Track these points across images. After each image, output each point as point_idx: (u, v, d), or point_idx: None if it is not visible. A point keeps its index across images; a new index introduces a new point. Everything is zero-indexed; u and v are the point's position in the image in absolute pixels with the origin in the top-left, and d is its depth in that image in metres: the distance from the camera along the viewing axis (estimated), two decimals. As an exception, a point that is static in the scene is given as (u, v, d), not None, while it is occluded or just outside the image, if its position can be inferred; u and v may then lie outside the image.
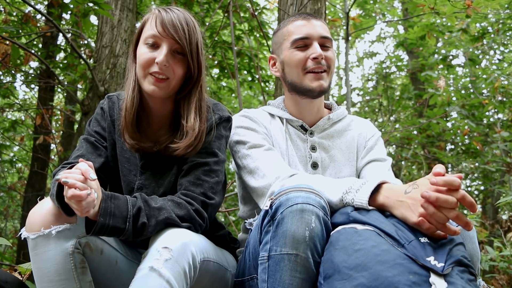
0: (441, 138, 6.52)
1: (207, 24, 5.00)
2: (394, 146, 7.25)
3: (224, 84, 6.61)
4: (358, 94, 9.26)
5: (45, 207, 1.23)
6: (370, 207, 1.22)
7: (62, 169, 1.26)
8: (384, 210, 1.22)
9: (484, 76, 6.43)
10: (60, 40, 5.83)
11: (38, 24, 4.88)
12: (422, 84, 6.85)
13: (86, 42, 4.90)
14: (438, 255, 1.08)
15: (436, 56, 7.10)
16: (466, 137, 6.15)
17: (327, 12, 4.34)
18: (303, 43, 1.60)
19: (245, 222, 1.43)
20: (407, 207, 1.15)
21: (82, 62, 4.21)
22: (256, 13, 4.68)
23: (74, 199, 1.09)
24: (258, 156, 1.52)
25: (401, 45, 7.19)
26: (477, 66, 7.13)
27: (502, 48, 7.36)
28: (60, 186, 1.17)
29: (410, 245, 1.09)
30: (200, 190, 1.36)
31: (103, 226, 1.17)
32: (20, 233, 1.23)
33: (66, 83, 5.03)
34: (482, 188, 7.25)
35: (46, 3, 5.34)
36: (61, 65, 5.21)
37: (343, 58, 10.80)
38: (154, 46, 1.38)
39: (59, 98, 7.61)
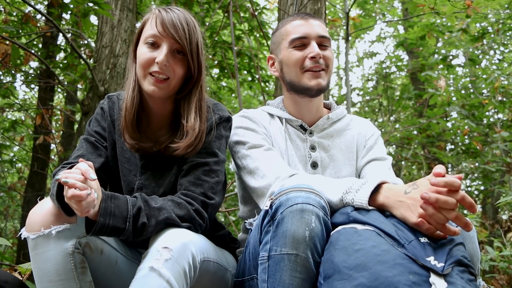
0: (441, 138, 6.52)
1: (207, 24, 5.00)
2: (394, 146, 7.26)
3: (224, 84, 6.61)
4: (358, 94, 9.26)
5: (45, 207, 1.23)
6: (370, 207, 1.22)
7: (62, 169, 1.26)
8: (384, 210, 1.22)
9: (484, 76, 6.43)
10: (60, 40, 5.84)
11: (38, 24, 4.88)
12: (422, 84, 6.85)
13: (86, 42, 4.90)
14: (438, 255, 1.08)
15: (436, 56, 7.10)
16: (466, 137, 6.15)
17: (327, 12, 4.34)
18: (301, 43, 1.61)
19: (245, 222, 1.43)
20: (406, 207, 1.15)
21: (82, 62, 4.21)
22: (256, 13, 4.68)
23: (74, 199, 1.09)
24: (257, 156, 1.52)
25: (401, 45, 7.19)
26: (477, 66, 7.13)
27: (502, 48, 7.36)
28: (60, 186, 1.17)
29: (410, 245, 1.09)
30: (200, 190, 1.36)
31: (103, 226, 1.17)
32: (20, 233, 1.23)
33: (66, 83, 5.03)
34: (482, 188, 7.25)
35: (46, 3, 5.34)
36: (61, 65, 5.21)
37: (343, 58, 10.80)
38: (154, 46, 1.38)
39: (59, 98, 7.61)
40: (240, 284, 1.42)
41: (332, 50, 1.66)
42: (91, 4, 3.06)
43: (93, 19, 4.99)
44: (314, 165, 1.63)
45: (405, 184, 1.24)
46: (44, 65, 4.07)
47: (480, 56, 7.20)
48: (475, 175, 6.95)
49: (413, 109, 7.11)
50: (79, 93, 6.54)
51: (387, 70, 8.51)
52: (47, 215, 1.21)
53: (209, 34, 5.38)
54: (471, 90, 6.34)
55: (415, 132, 6.56)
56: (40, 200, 1.27)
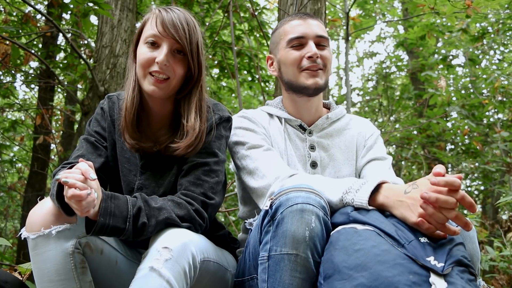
0: (441, 138, 6.52)
1: (207, 24, 5.00)
2: (394, 146, 7.26)
3: (224, 84, 6.61)
4: (358, 94, 9.26)
5: (45, 207, 1.23)
6: (370, 207, 1.22)
7: (62, 169, 1.26)
8: (384, 210, 1.22)
9: (484, 76, 6.43)
10: (60, 40, 5.84)
11: (38, 24, 4.88)
12: (422, 84, 6.85)
13: (86, 42, 4.90)
14: (438, 255, 1.08)
15: (436, 56, 7.10)
16: (466, 137, 6.15)
17: (327, 12, 4.34)
18: (298, 42, 1.61)
19: (245, 222, 1.43)
20: (406, 207, 1.15)
21: (82, 62, 4.21)
22: (256, 13, 4.68)
23: (74, 199, 1.09)
24: (257, 157, 1.52)
25: (401, 45, 7.19)
26: (477, 66, 7.13)
27: (502, 48, 7.36)
28: (60, 186, 1.17)
29: (410, 245, 1.09)
30: (200, 190, 1.37)
31: (103, 226, 1.17)
32: (20, 233, 1.23)
33: (66, 83, 5.03)
34: (482, 188, 7.26)
35: (46, 3, 5.34)
36: (61, 65, 5.21)
37: (343, 58, 10.80)
38: (155, 45, 1.38)
39: (59, 98, 7.61)
40: (240, 284, 1.42)
41: (330, 50, 1.66)
42: (91, 4, 3.06)
43: (93, 19, 5.00)
44: (314, 165, 1.63)
45: (405, 184, 1.24)
46: (44, 65, 4.07)
47: (480, 56, 7.20)
48: (475, 175, 6.96)
49: (413, 109, 7.11)
50: (79, 93, 6.55)
51: (387, 70, 8.51)
52: (47, 215, 1.21)
53: (209, 34, 5.38)
54: (471, 90, 6.34)
55: (415, 132, 6.56)
56: (40, 200, 1.27)
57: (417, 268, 1.05)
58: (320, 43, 1.62)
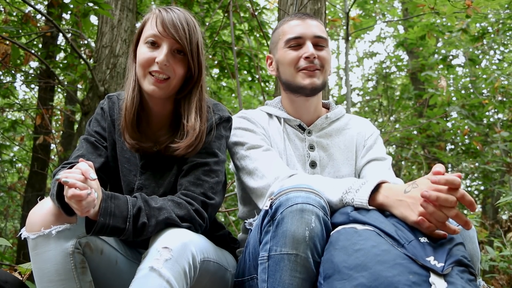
0: (441, 138, 6.52)
1: (207, 24, 5.00)
2: (394, 146, 7.26)
3: (224, 84, 6.61)
4: (358, 94, 9.26)
5: (45, 207, 1.23)
6: (370, 207, 1.22)
7: (62, 169, 1.26)
8: (383, 210, 1.22)
9: (484, 76, 6.43)
10: (60, 40, 5.84)
11: (38, 24, 4.88)
12: (422, 84, 6.85)
13: (86, 42, 4.90)
14: (438, 255, 1.08)
15: (436, 56, 7.10)
16: (466, 137, 6.15)
17: (327, 12, 4.34)
18: (296, 43, 1.61)
19: (245, 222, 1.43)
20: (406, 206, 1.16)
21: (82, 62, 4.21)
22: (256, 13, 4.68)
23: (74, 199, 1.09)
24: (256, 157, 1.52)
25: (401, 45, 7.19)
26: (477, 66, 7.13)
27: (502, 48, 7.37)
28: (60, 186, 1.17)
29: (410, 245, 1.09)
30: (200, 190, 1.37)
31: (103, 226, 1.17)
32: (20, 233, 1.23)
33: (66, 83, 5.03)
34: (482, 188, 7.26)
35: (46, 3, 5.34)
36: (61, 65, 5.21)
37: (343, 58, 10.80)
38: (155, 45, 1.38)
39: (59, 98, 7.61)
40: (240, 284, 1.42)
41: (328, 51, 1.66)
42: (91, 4, 3.06)
43: (93, 19, 5.00)
44: (313, 165, 1.63)
45: (404, 184, 1.24)
46: (44, 65, 4.07)
47: (480, 56, 7.20)
48: (475, 175, 6.96)
49: (413, 109, 7.11)
50: (79, 93, 6.55)
51: (387, 70, 8.51)
52: (47, 215, 1.21)
53: (209, 34, 5.38)
54: (471, 90, 6.34)
55: (415, 132, 6.56)
56: (40, 200, 1.27)
57: (417, 268, 1.05)
58: (318, 43, 1.62)
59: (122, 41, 3.83)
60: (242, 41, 5.92)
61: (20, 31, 4.69)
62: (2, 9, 4.51)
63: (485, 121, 6.46)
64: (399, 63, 8.39)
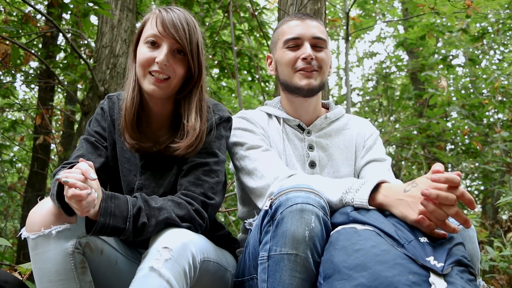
0: (441, 138, 6.52)
1: (207, 24, 5.00)
2: (394, 146, 7.26)
3: (224, 84, 6.62)
4: (358, 94, 9.26)
5: (45, 207, 1.23)
6: (370, 207, 1.22)
7: (62, 169, 1.26)
8: (383, 210, 1.22)
9: (484, 76, 6.43)
10: (60, 40, 5.84)
11: (38, 24, 4.88)
12: (422, 84, 6.85)
13: (86, 42, 4.90)
14: (438, 255, 1.08)
15: (436, 56, 7.10)
16: (466, 137, 6.15)
17: (327, 12, 4.34)
18: (294, 43, 1.61)
19: (245, 222, 1.43)
20: (406, 205, 1.16)
21: (82, 62, 4.21)
22: (256, 13, 4.68)
23: (75, 199, 1.09)
24: (256, 157, 1.52)
25: (401, 45, 7.19)
26: (477, 66, 7.13)
27: (502, 48, 7.37)
28: (61, 186, 1.17)
29: (410, 245, 1.09)
30: (200, 190, 1.37)
31: (103, 226, 1.17)
32: (20, 233, 1.23)
33: (66, 83, 5.03)
34: (482, 188, 7.26)
35: (46, 3, 5.34)
36: (61, 65, 5.21)
37: (343, 58, 10.80)
38: (155, 45, 1.38)
39: (59, 98, 7.61)
40: (240, 284, 1.42)
41: (328, 52, 1.65)
42: (91, 4, 3.06)
43: (93, 19, 5.00)
44: (312, 165, 1.63)
45: (404, 183, 1.24)
46: (44, 65, 4.07)
47: (480, 56, 7.20)
48: (475, 175, 6.96)
49: (413, 109, 7.11)
50: (79, 93, 6.55)
51: (387, 70, 8.51)
52: (47, 215, 1.21)
53: (209, 34, 5.38)
54: (471, 90, 6.34)
55: (415, 132, 6.56)
56: (40, 200, 1.27)
57: (416, 268, 1.05)
58: (317, 44, 1.62)
59: (122, 41, 3.83)
60: (242, 41, 5.92)
61: (20, 31, 4.69)
62: (2, 9, 4.51)
63: (485, 121, 6.46)
64: (399, 63, 8.39)
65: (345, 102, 7.24)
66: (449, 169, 6.82)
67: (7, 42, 3.40)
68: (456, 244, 1.13)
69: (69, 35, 4.94)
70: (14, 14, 4.78)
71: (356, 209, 1.24)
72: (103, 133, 1.50)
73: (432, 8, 3.69)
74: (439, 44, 7.42)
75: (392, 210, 1.19)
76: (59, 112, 5.74)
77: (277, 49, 1.67)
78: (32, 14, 4.45)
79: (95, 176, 1.14)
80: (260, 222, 1.23)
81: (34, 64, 5.65)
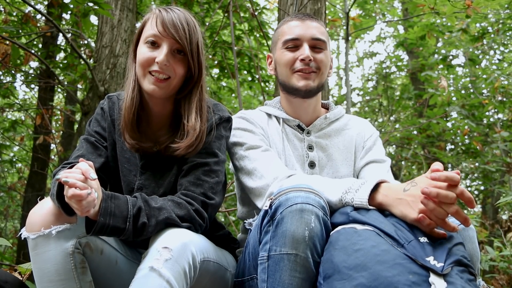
0: (441, 138, 6.52)
1: (207, 24, 5.00)
2: (394, 146, 7.26)
3: (224, 84, 6.62)
4: (358, 94, 9.27)
5: (45, 207, 1.23)
6: (370, 207, 1.22)
7: (62, 169, 1.26)
8: (383, 209, 1.22)
9: (484, 76, 6.43)
10: (60, 40, 5.84)
11: (38, 24, 4.88)
12: (422, 84, 6.85)
13: (86, 42, 4.91)
14: (438, 255, 1.08)
15: (436, 56, 7.10)
16: (466, 137, 6.15)
17: (327, 12, 4.34)
18: (293, 44, 1.61)
19: (245, 222, 1.43)
20: (406, 204, 1.16)
21: (82, 62, 4.21)
22: (256, 13, 4.68)
23: (75, 199, 1.09)
24: (255, 157, 1.52)
25: (401, 45, 7.19)
26: (477, 66, 7.13)
27: (502, 48, 7.37)
28: (61, 186, 1.17)
29: (410, 245, 1.09)
30: (200, 190, 1.37)
31: (103, 226, 1.17)
32: (20, 233, 1.23)
33: (66, 83, 5.03)
34: (482, 188, 7.26)
35: (46, 3, 5.34)
36: (61, 65, 5.21)
37: (343, 58, 10.80)
38: (155, 45, 1.38)
39: (59, 98, 7.61)
40: (240, 284, 1.42)
41: (327, 53, 1.64)
42: (91, 4, 3.06)
43: (93, 19, 5.00)
44: (312, 165, 1.63)
45: (403, 183, 1.25)
46: (44, 65, 4.07)
47: (480, 56, 7.21)
48: (475, 175, 6.96)
49: (413, 109, 7.11)
50: (79, 93, 6.55)
51: (387, 70, 8.51)
52: (47, 215, 1.21)
53: (209, 34, 5.38)
54: (471, 90, 6.34)
55: (415, 132, 6.56)
56: (40, 200, 1.27)
57: (416, 268, 1.05)
58: (316, 46, 1.62)
59: (122, 41, 3.83)
60: (242, 41, 5.92)
61: (20, 31, 4.69)
62: (2, 9, 4.51)
63: (485, 121, 6.46)
64: (399, 63, 8.39)
65: (345, 102, 7.24)
66: (449, 169, 6.82)
67: (7, 42, 3.40)
68: (456, 244, 1.13)
69: (69, 35, 4.94)
70: (14, 14, 4.78)
71: (356, 209, 1.24)
72: (103, 133, 1.50)
73: (432, 8, 3.69)
74: (439, 44, 7.42)
75: (392, 210, 1.19)
76: (59, 112, 5.74)
77: (277, 49, 1.67)
78: (32, 14, 4.46)
79: (95, 176, 1.14)
80: (260, 222, 1.23)
81: (34, 64, 5.65)
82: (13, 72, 4.84)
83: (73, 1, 3.04)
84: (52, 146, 5.55)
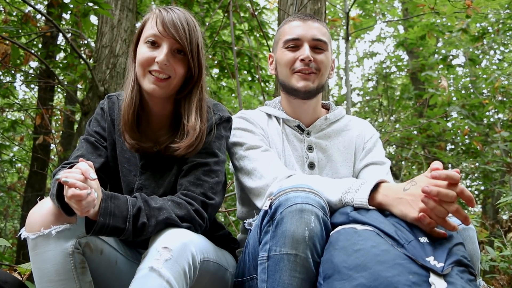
0: (441, 138, 6.52)
1: (207, 24, 5.00)
2: (394, 146, 7.26)
3: (224, 84, 6.62)
4: (358, 94, 9.27)
5: (45, 207, 1.23)
6: (370, 207, 1.22)
7: (62, 169, 1.26)
8: (383, 209, 1.22)
9: (484, 76, 6.43)
10: (60, 40, 5.84)
11: (38, 24, 4.88)
12: (422, 84, 6.85)
13: (86, 42, 4.90)
14: (438, 255, 1.08)
15: (436, 56, 7.10)
16: (466, 137, 6.15)
17: (327, 12, 4.34)
18: (294, 44, 1.61)
19: (244, 223, 1.43)
20: (406, 203, 1.16)
21: (82, 62, 4.21)
22: (256, 13, 4.68)
23: (74, 199, 1.09)
24: (255, 157, 1.52)
25: (401, 45, 7.19)
26: (477, 66, 7.13)
27: (502, 48, 7.37)
28: (60, 186, 1.17)
29: (410, 245, 1.09)
30: (200, 190, 1.36)
31: (103, 226, 1.17)
32: (20, 233, 1.23)
33: (66, 83, 5.03)
34: (482, 188, 7.25)
35: (46, 3, 5.34)
36: (61, 65, 5.21)
37: (343, 58, 10.80)
38: (155, 45, 1.38)
39: (59, 98, 7.61)
40: (240, 284, 1.42)
41: (328, 54, 1.64)
42: (91, 4, 3.06)
43: (93, 19, 5.00)
44: (311, 166, 1.63)
45: (403, 182, 1.24)
46: (44, 65, 4.07)
47: (480, 56, 7.21)
48: (475, 175, 6.95)
49: (413, 109, 7.11)
50: (79, 93, 6.55)
51: (387, 70, 8.52)
52: (47, 215, 1.21)
53: (209, 34, 5.38)
54: (471, 90, 6.34)
55: (415, 132, 6.56)
56: (40, 200, 1.27)
57: (416, 268, 1.05)
58: (317, 46, 1.61)
59: (122, 41, 3.83)
60: (242, 41, 5.92)
61: (20, 31, 4.69)
62: (2, 9, 4.51)
63: (485, 121, 6.46)
64: (399, 63, 8.39)
65: (345, 102, 7.24)
66: (450, 169, 6.81)
67: (7, 42, 3.40)
68: (456, 244, 1.13)
69: (69, 35, 4.94)
70: (14, 14, 4.78)
71: (356, 209, 1.24)
72: (103, 133, 1.50)
73: (432, 8, 3.69)
74: (439, 44, 7.42)
75: (392, 209, 1.19)
76: (59, 112, 5.74)
77: (278, 49, 1.67)
78: (32, 14, 4.46)
79: (95, 176, 1.14)
80: (259, 222, 1.23)
81: (34, 64, 5.65)
82: (13, 72, 4.84)
83: (73, 1, 3.04)
84: (52, 146, 5.55)
